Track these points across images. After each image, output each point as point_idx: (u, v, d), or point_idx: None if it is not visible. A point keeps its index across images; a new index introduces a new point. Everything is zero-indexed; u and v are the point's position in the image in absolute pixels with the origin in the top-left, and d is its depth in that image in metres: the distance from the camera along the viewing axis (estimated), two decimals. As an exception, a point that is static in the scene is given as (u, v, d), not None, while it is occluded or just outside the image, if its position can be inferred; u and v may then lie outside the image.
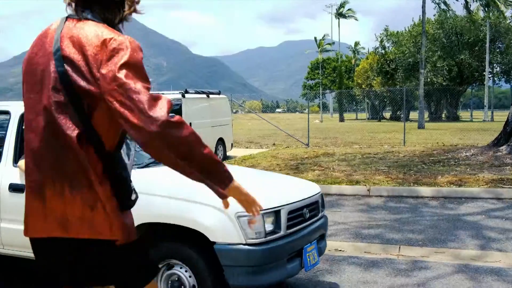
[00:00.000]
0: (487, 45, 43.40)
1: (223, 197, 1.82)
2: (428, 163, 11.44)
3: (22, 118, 4.07)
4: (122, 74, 1.67)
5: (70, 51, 1.78)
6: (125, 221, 1.87)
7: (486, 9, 25.49)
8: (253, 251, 3.25)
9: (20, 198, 3.40)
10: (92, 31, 1.79)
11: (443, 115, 49.70)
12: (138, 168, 3.77)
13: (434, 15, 46.77)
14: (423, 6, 27.12)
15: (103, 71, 1.70)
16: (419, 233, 6.05)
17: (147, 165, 3.97)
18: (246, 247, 3.24)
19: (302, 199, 3.77)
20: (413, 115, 48.37)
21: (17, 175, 4.01)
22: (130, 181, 1.93)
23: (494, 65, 49.54)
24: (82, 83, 1.74)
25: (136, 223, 2.02)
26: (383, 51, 53.40)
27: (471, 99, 62.25)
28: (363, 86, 54.28)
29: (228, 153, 15.89)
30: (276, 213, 3.43)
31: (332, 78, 72.81)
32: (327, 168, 11.23)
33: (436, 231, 6.14)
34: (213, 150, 14.83)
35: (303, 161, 12.77)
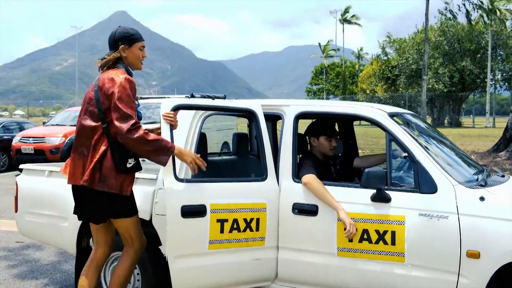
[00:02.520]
0: (489, 52, 43.70)
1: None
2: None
3: (297, 119, 3.58)
4: (117, 102, 3.03)
5: (100, 85, 3.15)
6: (115, 178, 3.08)
7: (488, 17, 25.84)
8: None
9: (307, 221, 3.31)
10: (108, 75, 3.16)
11: (446, 121, 49.96)
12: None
13: (436, 23, 47.13)
14: (426, 14, 27.46)
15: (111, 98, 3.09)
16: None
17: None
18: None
19: None
20: (416, 121, 48.45)
21: (300, 193, 3.38)
22: (128, 157, 3.12)
23: (496, 72, 49.82)
24: (104, 101, 3.12)
25: None
26: (385, 57, 53.75)
27: (473, 106, 62.47)
28: (367, 92, 54.59)
29: (232, 157, 16.18)
30: None
31: (335, 83, 73.09)
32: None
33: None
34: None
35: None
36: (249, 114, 3.63)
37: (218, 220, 3.16)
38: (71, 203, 4.00)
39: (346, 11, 73.75)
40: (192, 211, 3.10)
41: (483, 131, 30.99)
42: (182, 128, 3.35)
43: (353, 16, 75.16)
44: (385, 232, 3.09)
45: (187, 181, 3.16)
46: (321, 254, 3.30)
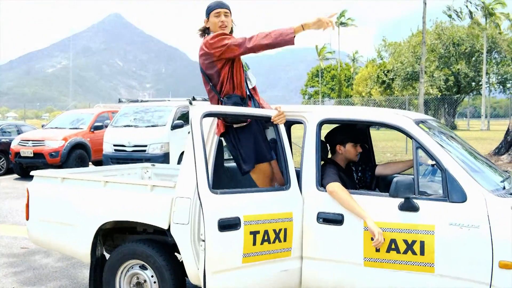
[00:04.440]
0: (484, 55, 43.92)
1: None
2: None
3: (320, 125, 3.53)
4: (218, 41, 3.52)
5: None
6: None
7: (486, 19, 26.03)
8: None
9: (332, 231, 3.23)
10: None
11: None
12: None
13: (432, 26, 47.34)
14: (424, 17, 27.50)
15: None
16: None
17: None
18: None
19: None
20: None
21: (325, 201, 3.32)
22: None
23: (490, 75, 50.09)
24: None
25: None
26: (380, 61, 53.89)
27: (468, 108, 62.73)
28: (363, 94, 54.70)
29: (232, 160, 16.12)
30: None
31: (331, 86, 73.24)
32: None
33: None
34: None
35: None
36: (269, 121, 3.57)
37: (251, 233, 3.10)
38: (85, 210, 3.96)
39: (342, 14, 74.16)
40: (228, 224, 3.02)
41: (479, 134, 31.09)
42: (202, 134, 3.18)
43: (349, 18, 75.57)
44: (414, 242, 3.02)
45: (221, 192, 3.07)
46: (347, 264, 3.23)
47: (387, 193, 3.16)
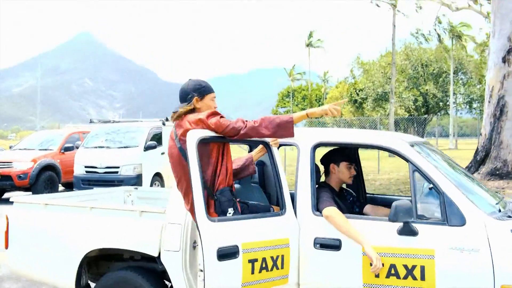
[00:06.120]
0: (451, 76, 45.06)
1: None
2: (405, 191, 11.78)
3: (314, 149, 3.45)
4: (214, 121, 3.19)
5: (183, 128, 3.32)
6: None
7: (453, 41, 26.79)
8: None
9: (330, 257, 3.09)
10: (187, 119, 3.25)
11: (411, 144, 50.92)
12: None
13: (401, 47, 48.41)
14: (393, 39, 28.12)
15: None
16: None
17: None
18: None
19: None
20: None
21: (321, 226, 3.23)
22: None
23: (457, 95, 51.38)
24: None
25: None
26: (352, 80, 54.67)
27: (436, 128, 64.06)
28: (335, 114, 55.24)
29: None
30: None
31: (302, 106, 73.84)
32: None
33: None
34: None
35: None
36: (262, 144, 3.52)
37: (249, 261, 2.97)
38: (70, 238, 3.76)
39: (310, 35, 75.12)
40: (227, 253, 2.89)
41: (448, 153, 31.61)
42: (198, 159, 3.09)
43: (318, 40, 76.60)
44: (414, 266, 2.94)
45: (219, 220, 2.96)
46: None
47: (385, 218, 3.09)
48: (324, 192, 3.41)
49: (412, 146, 3.31)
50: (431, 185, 3.08)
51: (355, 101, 52.09)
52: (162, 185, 13.09)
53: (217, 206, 3.05)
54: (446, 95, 48.86)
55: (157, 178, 12.91)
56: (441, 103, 50.33)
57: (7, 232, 4.10)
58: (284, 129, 3.12)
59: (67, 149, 14.11)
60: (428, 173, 3.10)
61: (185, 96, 3.37)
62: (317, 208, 3.28)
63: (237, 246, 2.94)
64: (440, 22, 21.92)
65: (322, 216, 3.22)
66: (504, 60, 12.29)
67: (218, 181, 3.12)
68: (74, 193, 5.18)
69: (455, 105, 52.21)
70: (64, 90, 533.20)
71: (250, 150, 4.25)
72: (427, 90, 48.21)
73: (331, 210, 3.18)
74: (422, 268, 2.93)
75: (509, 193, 10.57)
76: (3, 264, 6.67)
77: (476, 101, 50.11)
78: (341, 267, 3.15)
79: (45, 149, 14.01)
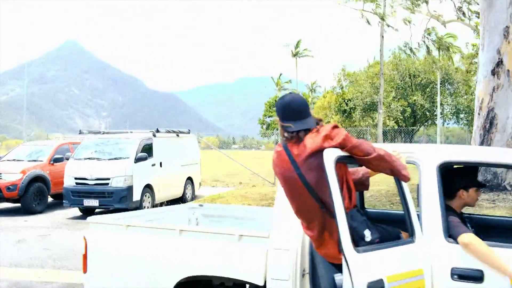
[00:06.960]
0: (438, 86, 45.49)
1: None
2: (396, 203, 11.79)
3: (440, 168, 3.14)
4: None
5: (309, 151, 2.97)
6: None
7: (440, 52, 27.06)
8: None
9: None
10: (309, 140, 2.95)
11: (398, 153, 51.18)
12: None
13: (390, 57, 48.82)
14: (381, 50, 28.35)
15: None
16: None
17: None
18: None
19: None
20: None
21: (458, 255, 2.91)
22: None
23: (444, 106, 51.88)
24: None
25: None
26: (340, 90, 55.01)
27: (422, 138, 64.58)
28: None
29: (196, 192, 15.87)
30: None
31: (290, 115, 73.92)
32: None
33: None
34: (182, 189, 14.81)
35: (274, 201, 12.88)
36: None
37: None
38: (159, 265, 3.42)
39: (297, 45, 75.46)
40: None
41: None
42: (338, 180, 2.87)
43: (305, 49, 76.96)
44: None
45: (363, 250, 2.69)
46: None
47: None
48: (452, 217, 3.13)
49: None
50: None
51: (344, 111, 52.36)
52: (153, 197, 13.01)
53: (353, 233, 2.72)
54: (433, 106, 49.31)
55: (148, 190, 12.84)
56: (428, 113, 50.77)
57: (85, 256, 3.80)
58: (401, 173, 2.95)
59: (56, 160, 14.00)
60: None
61: (301, 111, 2.98)
62: (449, 234, 3.01)
63: (382, 280, 2.68)
64: (429, 34, 22.17)
65: (456, 243, 2.96)
66: (493, 72, 12.40)
67: (344, 203, 2.77)
68: (137, 213, 4.85)
69: (442, 115, 52.71)
70: (51, 99, 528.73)
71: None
72: (415, 100, 48.60)
73: (471, 237, 2.93)
74: None
75: (499, 206, 10.63)
76: (4, 279, 6.57)
77: (463, 112, 50.65)
78: None
79: (34, 160, 13.88)
